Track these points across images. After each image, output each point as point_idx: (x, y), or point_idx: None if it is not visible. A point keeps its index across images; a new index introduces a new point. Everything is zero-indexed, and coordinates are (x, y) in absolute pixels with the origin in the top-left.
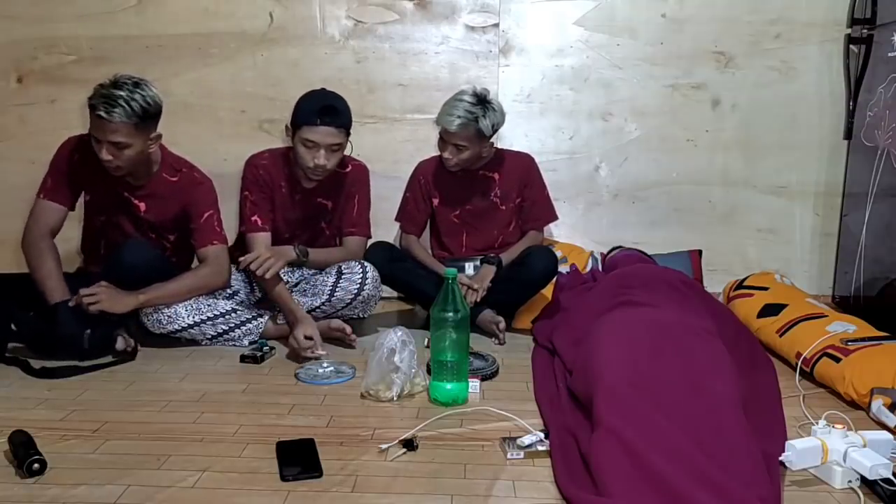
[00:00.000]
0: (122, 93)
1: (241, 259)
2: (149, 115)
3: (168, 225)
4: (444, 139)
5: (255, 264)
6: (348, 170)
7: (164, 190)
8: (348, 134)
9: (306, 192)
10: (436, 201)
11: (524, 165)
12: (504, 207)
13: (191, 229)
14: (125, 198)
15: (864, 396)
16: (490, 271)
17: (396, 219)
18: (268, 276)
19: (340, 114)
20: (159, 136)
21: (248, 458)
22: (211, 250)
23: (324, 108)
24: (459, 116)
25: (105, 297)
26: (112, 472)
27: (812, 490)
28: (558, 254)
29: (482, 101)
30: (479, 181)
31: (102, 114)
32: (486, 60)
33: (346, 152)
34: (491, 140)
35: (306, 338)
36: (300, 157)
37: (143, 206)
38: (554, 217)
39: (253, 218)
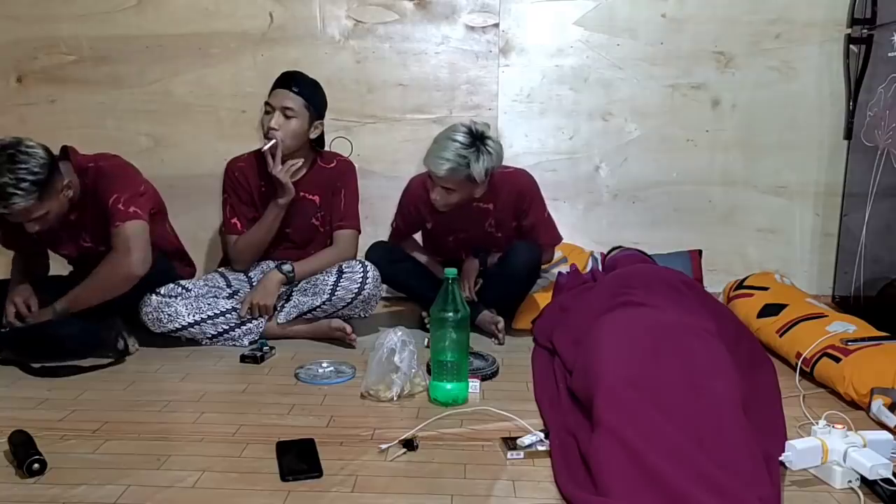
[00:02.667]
0: (5, 179)
1: (240, 311)
2: (43, 181)
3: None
4: (433, 180)
5: (254, 312)
6: (332, 165)
7: (87, 198)
8: (311, 110)
9: None
10: (429, 226)
11: (518, 192)
12: (500, 235)
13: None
14: (72, 221)
15: (864, 396)
16: (472, 264)
17: (389, 238)
18: (266, 317)
19: (298, 81)
20: (68, 184)
21: (248, 458)
22: (117, 231)
23: (282, 75)
24: (448, 160)
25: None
26: (112, 472)
27: (812, 490)
28: (558, 254)
29: (477, 140)
30: (472, 212)
31: (3, 210)
32: (486, 60)
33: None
34: (485, 181)
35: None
36: (262, 127)
37: (86, 223)
38: (557, 238)
39: (233, 220)
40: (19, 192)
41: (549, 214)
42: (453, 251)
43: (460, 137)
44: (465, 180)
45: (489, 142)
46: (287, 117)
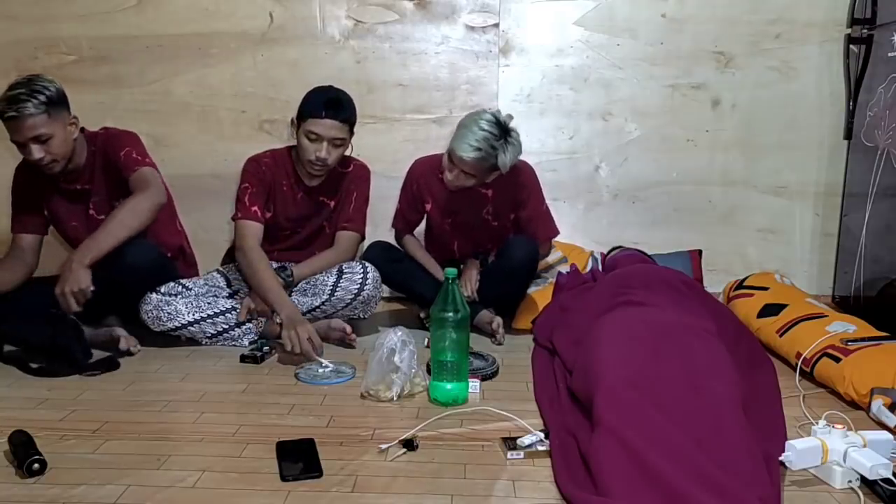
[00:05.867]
0: (20, 90)
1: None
2: (55, 100)
3: (118, 191)
4: (454, 162)
5: (252, 316)
6: (350, 169)
7: (96, 162)
8: (352, 130)
9: (309, 191)
10: (428, 206)
11: (518, 182)
12: (496, 224)
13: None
14: (79, 191)
15: (864, 396)
16: (473, 265)
17: (392, 224)
18: (266, 318)
19: (345, 108)
20: (76, 119)
21: (248, 458)
22: (136, 174)
23: (329, 101)
24: (479, 149)
25: (70, 289)
26: (112, 472)
27: (812, 490)
28: (558, 254)
29: (504, 132)
30: (471, 196)
31: (13, 114)
32: (486, 60)
33: (346, 152)
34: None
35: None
36: (303, 150)
37: (92, 191)
38: (554, 232)
39: (253, 208)
40: (32, 100)
41: (547, 208)
42: (450, 239)
43: (490, 127)
44: (488, 169)
45: (514, 134)
46: (336, 146)
